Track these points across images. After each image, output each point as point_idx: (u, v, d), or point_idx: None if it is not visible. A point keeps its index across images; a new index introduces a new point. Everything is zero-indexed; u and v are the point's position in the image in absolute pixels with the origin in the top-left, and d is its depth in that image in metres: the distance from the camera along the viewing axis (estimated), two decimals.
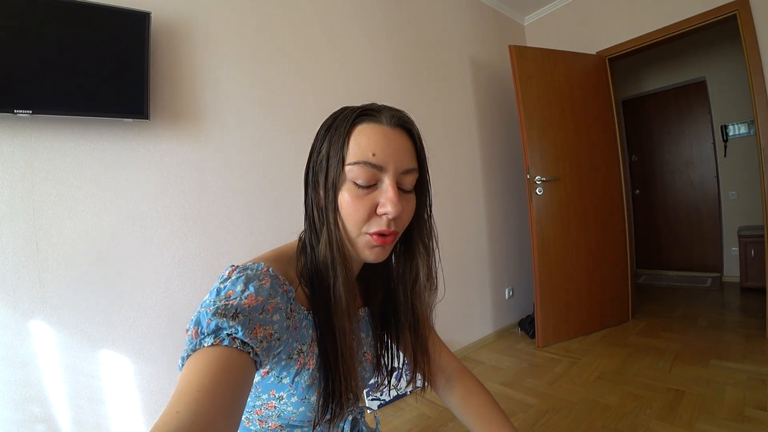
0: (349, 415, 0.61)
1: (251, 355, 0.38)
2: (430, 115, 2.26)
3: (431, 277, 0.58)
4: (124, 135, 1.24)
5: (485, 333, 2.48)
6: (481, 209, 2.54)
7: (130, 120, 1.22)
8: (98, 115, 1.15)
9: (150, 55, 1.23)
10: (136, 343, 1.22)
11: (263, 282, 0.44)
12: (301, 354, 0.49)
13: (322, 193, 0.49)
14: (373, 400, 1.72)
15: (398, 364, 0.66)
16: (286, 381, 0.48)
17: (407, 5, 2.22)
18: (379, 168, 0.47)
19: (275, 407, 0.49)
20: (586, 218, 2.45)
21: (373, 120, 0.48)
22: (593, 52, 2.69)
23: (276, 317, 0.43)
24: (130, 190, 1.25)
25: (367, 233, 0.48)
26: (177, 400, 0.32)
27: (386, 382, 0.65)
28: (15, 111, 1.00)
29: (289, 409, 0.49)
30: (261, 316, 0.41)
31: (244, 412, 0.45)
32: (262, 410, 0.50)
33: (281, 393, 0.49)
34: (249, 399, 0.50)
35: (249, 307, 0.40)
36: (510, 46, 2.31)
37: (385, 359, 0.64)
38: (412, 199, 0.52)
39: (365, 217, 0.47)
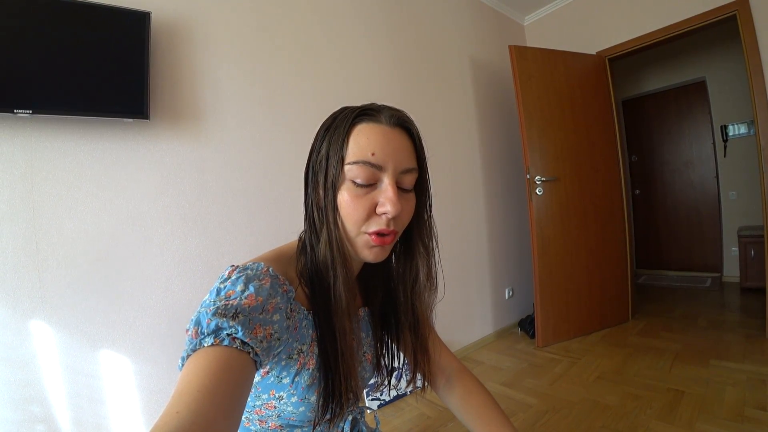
0: (349, 415, 0.61)
1: (251, 355, 0.38)
2: (430, 115, 2.26)
3: (431, 277, 0.58)
4: (124, 135, 1.24)
5: (485, 333, 2.48)
6: (481, 209, 2.54)
7: (130, 120, 1.22)
8: (98, 115, 1.15)
9: (150, 55, 1.23)
10: (136, 343, 1.22)
11: (263, 282, 0.44)
12: (301, 354, 0.49)
13: (321, 192, 0.49)
14: (373, 400, 1.72)
15: (398, 364, 0.66)
16: (286, 381, 0.48)
17: (407, 5, 2.22)
18: (378, 167, 0.47)
19: (275, 407, 0.49)
20: (586, 218, 2.45)
21: (373, 119, 0.48)
22: (593, 52, 2.69)
23: (276, 317, 0.43)
24: (130, 190, 1.25)
25: (366, 233, 0.48)
26: (177, 400, 0.32)
27: (386, 382, 0.65)
28: (15, 111, 1.00)
29: (289, 409, 0.49)
30: (261, 316, 0.41)
31: (244, 412, 0.45)
32: (262, 410, 0.50)
33: (281, 393, 0.49)
34: (249, 399, 0.50)
35: (249, 307, 0.40)
36: (510, 46, 2.31)
37: (385, 359, 0.64)
38: (411, 199, 0.52)
39: (364, 217, 0.47)
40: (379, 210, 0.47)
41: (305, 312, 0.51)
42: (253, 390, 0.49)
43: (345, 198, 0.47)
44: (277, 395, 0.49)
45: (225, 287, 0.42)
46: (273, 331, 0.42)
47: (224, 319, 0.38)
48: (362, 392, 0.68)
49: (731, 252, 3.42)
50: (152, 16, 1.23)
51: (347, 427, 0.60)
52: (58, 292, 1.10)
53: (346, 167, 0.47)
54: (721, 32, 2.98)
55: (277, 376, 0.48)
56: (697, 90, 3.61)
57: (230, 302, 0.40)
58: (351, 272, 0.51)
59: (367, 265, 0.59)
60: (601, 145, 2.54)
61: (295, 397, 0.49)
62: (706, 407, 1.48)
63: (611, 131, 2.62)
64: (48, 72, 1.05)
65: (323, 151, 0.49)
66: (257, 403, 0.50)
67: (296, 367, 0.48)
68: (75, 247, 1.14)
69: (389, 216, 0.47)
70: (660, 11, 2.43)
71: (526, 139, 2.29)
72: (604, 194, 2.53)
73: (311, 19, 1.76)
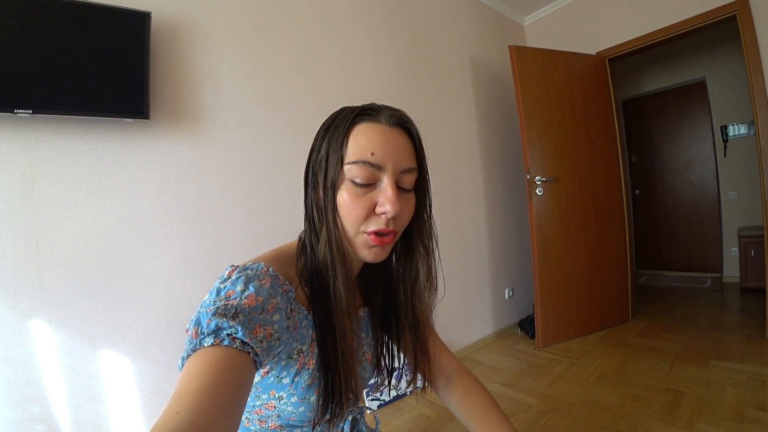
0: (348, 415, 0.61)
1: (251, 355, 0.38)
2: (430, 115, 2.26)
3: (431, 277, 0.58)
4: (124, 135, 1.24)
5: (485, 333, 2.48)
6: (481, 209, 2.54)
7: (130, 120, 1.22)
8: (98, 115, 1.15)
9: (150, 55, 1.23)
10: (136, 343, 1.22)
11: (263, 282, 0.44)
12: (301, 354, 0.49)
13: (321, 192, 0.49)
14: (372, 400, 1.72)
15: (398, 364, 0.66)
16: (286, 381, 0.48)
17: (407, 5, 2.22)
18: (377, 167, 0.47)
19: (275, 407, 0.49)
20: (586, 218, 2.45)
21: (372, 119, 0.48)
22: (593, 52, 2.69)
23: (276, 317, 0.43)
24: (130, 190, 1.25)
25: (365, 232, 0.48)
26: (177, 400, 0.32)
27: (386, 382, 0.65)
28: (15, 111, 1.00)
29: (288, 409, 0.49)
30: (261, 316, 0.41)
31: (244, 412, 0.45)
32: (262, 410, 0.50)
33: (281, 393, 0.49)
34: (249, 399, 0.50)
35: (249, 307, 0.40)
36: (510, 47, 2.31)
37: (385, 359, 0.64)
38: (411, 199, 0.52)
39: (364, 216, 0.47)
40: (378, 210, 0.47)
41: (305, 312, 0.51)
42: (253, 390, 0.49)
43: (344, 198, 0.47)
44: (277, 395, 0.49)
45: (225, 287, 0.42)
46: (273, 331, 0.42)
47: (224, 319, 0.38)
48: (362, 392, 0.68)
49: (731, 252, 3.42)
50: (152, 16, 1.23)
51: (347, 427, 0.60)
52: (58, 292, 1.10)
53: (346, 167, 0.47)
54: (721, 32, 2.98)
55: (277, 376, 0.48)
56: (697, 90, 3.61)
57: (230, 302, 0.40)
58: (351, 272, 0.51)
59: (367, 265, 0.59)
60: (601, 145, 2.54)
61: (295, 397, 0.49)
62: (706, 408, 1.48)
63: (611, 131, 2.62)
64: (48, 72, 1.05)
65: (323, 150, 0.49)
66: (257, 403, 0.50)
67: (296, 367, 0.48)
68: (75, 247, 1.14)
69: (388, 216, 0.47)
70: (660, 11, 2.43)
71: (526, 139, 2.29)
72: (604, 194, 2.53)
73: (311, 19, 1.76)
